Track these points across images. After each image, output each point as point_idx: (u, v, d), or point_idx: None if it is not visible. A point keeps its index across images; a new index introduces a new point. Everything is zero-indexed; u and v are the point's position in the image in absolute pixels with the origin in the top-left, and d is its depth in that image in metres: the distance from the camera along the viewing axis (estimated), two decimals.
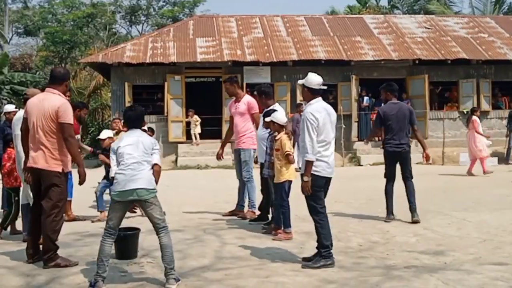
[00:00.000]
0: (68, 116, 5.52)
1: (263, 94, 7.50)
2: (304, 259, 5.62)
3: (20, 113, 6.60)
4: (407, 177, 7.72)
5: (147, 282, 4.99)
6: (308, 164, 5.42)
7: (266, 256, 5.87)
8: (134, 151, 4.85)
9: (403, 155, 7.69)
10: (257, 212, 7.90)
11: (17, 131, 6.45)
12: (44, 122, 5.52)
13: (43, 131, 5.52)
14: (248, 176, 8.00)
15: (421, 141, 7.99)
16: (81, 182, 5.71)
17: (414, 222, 7.49)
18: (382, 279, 4.98)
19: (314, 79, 5.61)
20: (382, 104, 8.22)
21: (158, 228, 4.87)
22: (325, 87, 5.69)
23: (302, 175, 5.49)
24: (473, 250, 6.03)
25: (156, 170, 4.94)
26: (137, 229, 5.93)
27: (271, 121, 6.74)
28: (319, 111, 5.47)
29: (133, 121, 5.07)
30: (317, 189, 5.49)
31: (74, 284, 4.97)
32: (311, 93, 5.60)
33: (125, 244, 5.74)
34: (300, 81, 5.77)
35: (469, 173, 13.68)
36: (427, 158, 7.96)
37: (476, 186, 11.57)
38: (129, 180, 4.76)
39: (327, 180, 5.61)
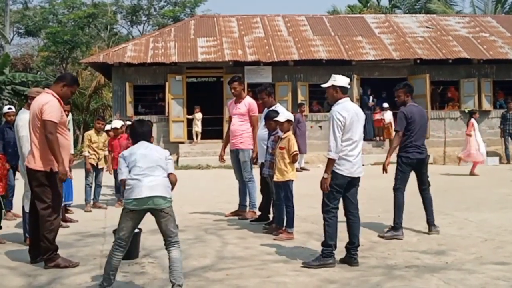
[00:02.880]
0: (51, 114, 5.42)
1: (272, 94, 7.57)
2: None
3: (22, 114, 6.56)
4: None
5: (148, 282, 4.99)
6: (330, 161, 5.39)
7: (267, 256, 5.88)
8: (148, 154, 4.60)
9: (425, 161, 7.12)
10: (258, 212, 7.90)
11: (22, 133, 6.40)
12: (33, 120, 5.55)
13: (33, 130, 5.56)
14: (250, 176, 7.99)
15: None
16: (61, 179, 5.56)
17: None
18: (383, 279, 4.98)
19: (343, 79, 5.59)
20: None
21: (170, 242, 4.53)
22: (349, 86, 5.68)
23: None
24: (475, 250, 6.02)
25: (172, 180, 4.61)
26: (139, 230, 5.92)
27: (287, 120, 6.76)
28: (347, 110, 5.44)
29: (139, 136, 4.78)
30: (335, 187, 5.42)
31: (75, 284, 4.97)
32: (342, 93, 5.54)
33: None
34: (325, 85, 5.65)
35: (459, 161, 14.11)
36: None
37: (477, 186, 11.56)
38: (144, 186, 4.44)
39: (352, 180, 5.50)
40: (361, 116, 5.61)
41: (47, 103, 5.49)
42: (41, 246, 5.54)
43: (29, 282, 5.05)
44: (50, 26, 34.68)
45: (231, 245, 6.39)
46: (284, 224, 6.82)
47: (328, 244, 5.44)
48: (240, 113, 8.04)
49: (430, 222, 7.03)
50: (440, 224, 7.41)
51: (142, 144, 4.71)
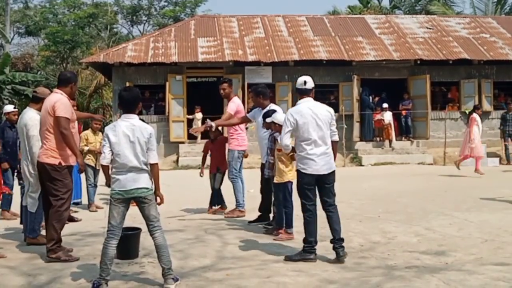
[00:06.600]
0: (63, 111, 5.80)
1: (260, 94, 7.56)
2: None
3: (31, 113, 6.53)
4: None
5: (148, 282, 4.99)
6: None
7: (267, 256, 5.88)
8: (131, 153, 4.76)
9: None
10: (247, 211, 8.06)
11: (31, 132, 6.41)
12: (44, 118, 5.88)
13: (45, 127, 5.88)
14: (232, 176, 8.24)
15: None
16: (80, 171, 6.26)
17: None
18: (383, 279, 4.98)
19: (298, 81, 5.92)
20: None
21: (153, 227, 4.86)
22: (310, 87, 5.84)
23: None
24: (475, 251, 6.02)
25: (155, 174, 4.88)
26: (139, 229, 5.93)
27: (272, 122, 6.74)
28: (299, 112, 5.68)
29: (126, 104, 4.90)
30: (305, 186, 5.66)
31: (75, 283, 4.97)
32: (299, 94, 5.91)
33: (126, 244, 5.73)
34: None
35: (457, 165, 13.79)
36: None
37: (477, 186, 11.55)
38: (129, 180, 4.78)
39: (319, 177, 5.67)
40: (321, 114, 5.71)
41: (59, 100, 5.85)
42: (46, 235, 5.85)
43: (29, 282, 5.05)
44: (50, 26, 34.65)
45: (231, 245, 6.38)
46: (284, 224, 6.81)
47: (309, 241, 5.68)
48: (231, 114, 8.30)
49: None
50: (440, 225, 7.44)
51: (128, 119, 4.85)
